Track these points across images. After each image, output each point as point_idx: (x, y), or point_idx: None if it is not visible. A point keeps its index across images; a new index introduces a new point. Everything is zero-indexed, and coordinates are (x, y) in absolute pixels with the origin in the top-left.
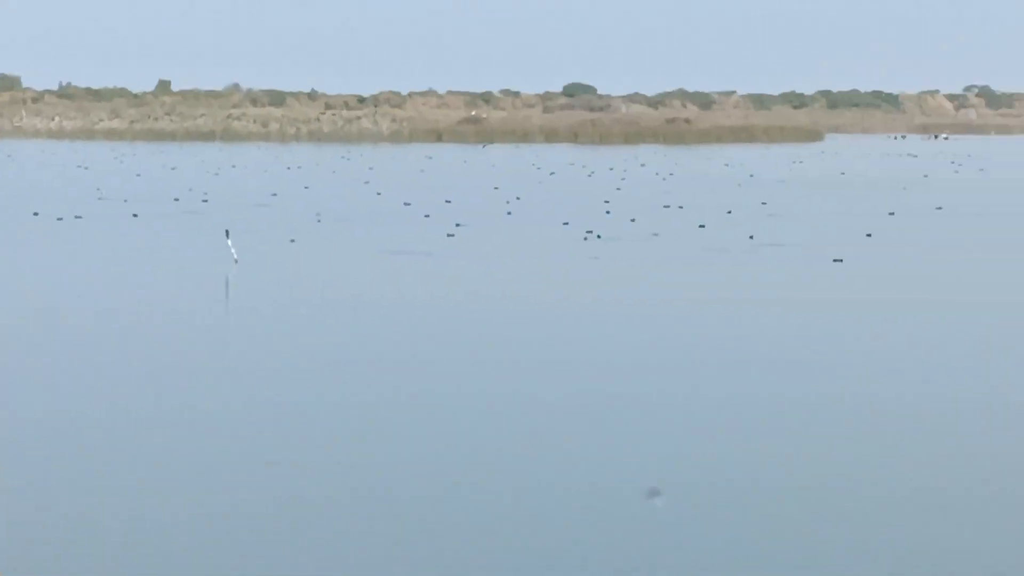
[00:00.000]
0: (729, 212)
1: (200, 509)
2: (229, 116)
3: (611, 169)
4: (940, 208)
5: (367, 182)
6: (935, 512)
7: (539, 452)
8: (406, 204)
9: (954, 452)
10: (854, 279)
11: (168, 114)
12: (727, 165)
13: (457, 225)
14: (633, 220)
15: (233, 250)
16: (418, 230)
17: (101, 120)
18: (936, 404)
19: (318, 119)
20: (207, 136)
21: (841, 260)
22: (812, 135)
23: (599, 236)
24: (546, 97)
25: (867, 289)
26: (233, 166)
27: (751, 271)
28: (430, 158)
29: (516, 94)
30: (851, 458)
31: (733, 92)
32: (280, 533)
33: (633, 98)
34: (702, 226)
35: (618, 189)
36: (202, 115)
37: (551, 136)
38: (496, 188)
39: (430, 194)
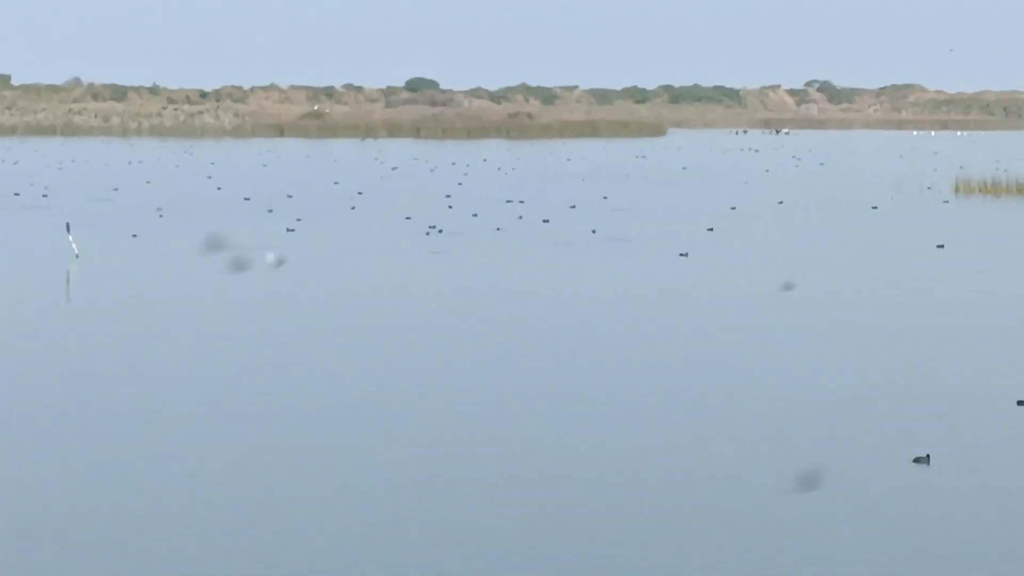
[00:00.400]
0: (573, 207)
1: None
2: (70, 111)
3: (453, 164)
4: (781, 202)
5: (209, 177)
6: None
7: (361, 443)
8: (246, 199)
9: (784, 436)
10: (701, 273)
11: (8, 108)
12: (569, 160)
13: (298, 220)
14: (475, 215)
15: (74, 244)
16: (259, 225)
17: None
18: (775, 391)
19: (160, 114)
20: (48, 131)
21: (687, 254)
22: (654, 130)
23: (441, 231)
24: (389, 92)
25: (713, 282)
26: (74, 161)
27: (597, 265)
28: (273, 153)
29: (359, 89)
30: (696, 445)
31: (575, 87)
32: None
33: (476, 93)
34: (546, 221)
35: (460, 184)
36: (43, 109)
37: (394, 131)
38: (336, 183)
39: (272, 189)
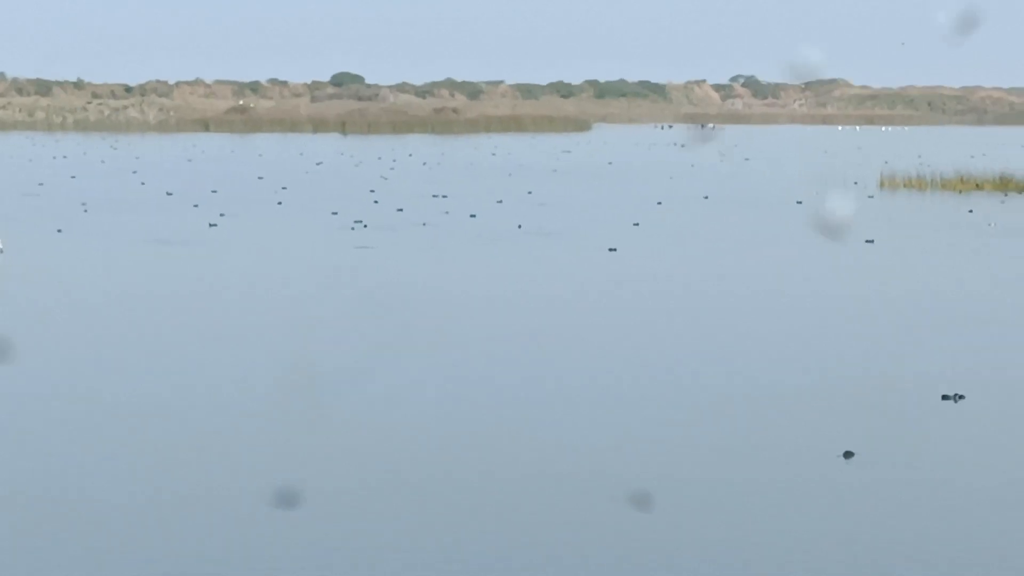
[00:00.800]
0: (499, 202)
1: None
2: None
3: (379, 158)
4: (707, 197)
5: (135, 171)
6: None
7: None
8: (169, 194)
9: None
10: (630, 267)
11: None
12: (494, 154)
13: (221, 215)
14: (401, 210)
15: None
16: (182, 220)
17: None
18: (703, 385)
19: (85, 108)
20: None
21: (616, 249)
22: (580, 125)
23: (366, 225)
24: (314, 86)
25: (643, 277)
26: None
27: (526, 260)
28: (198, 147)
29: (284, 83)
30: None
31: (501, 82)
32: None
33: (401, 87)
34: (473, 216)
35: (385, 179)
36: None
37: (319, 126)
38: (261, 178)
39: (197, 184)
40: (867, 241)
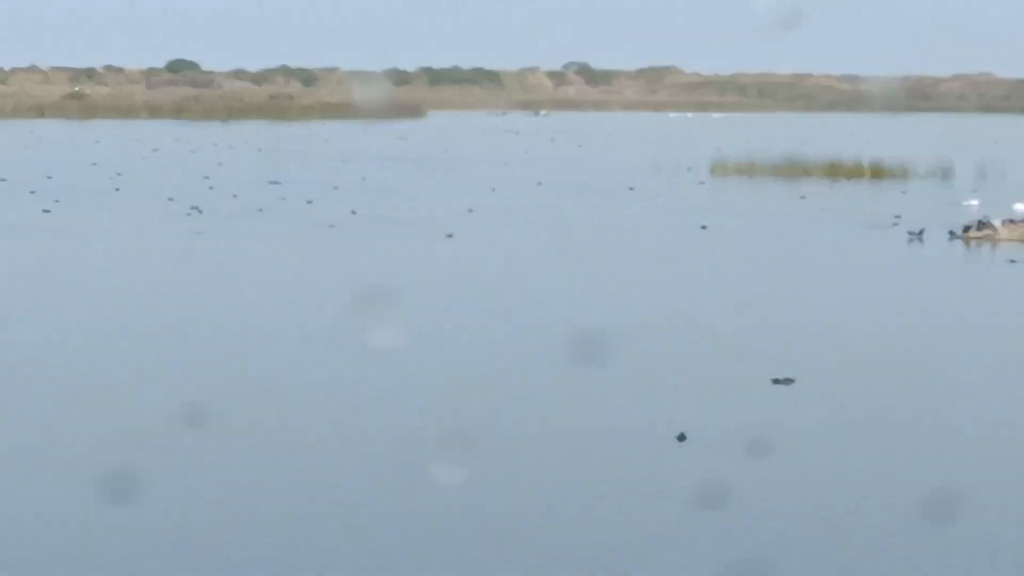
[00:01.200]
0: (336, 188)
1: None
2: None
3: (215, 145)
4: (540, 183)
5: None
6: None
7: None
8: (2, 180)
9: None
10: (467, 253)
11: None
12: (328, 141)
13: (56, 201)
14: (236, 196)
15: None
16: (17, 206)
17: None
18: (542, 368)
19: None
20: None
21: (452, 235)
22: (414, 112)
23: (202, 212)
24: (150, 73)
25: (479, 263)
26: None
27: (363, 247)
28: (34, 134)
29: (120, 70)
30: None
31: (336, 68)
32: None
33: (237, 74)
34: (310, 202)
35: (221, 165)
36: None
37: (155, 112)
38: (95, 164)
39: (32, 170)
40: (701, 227)
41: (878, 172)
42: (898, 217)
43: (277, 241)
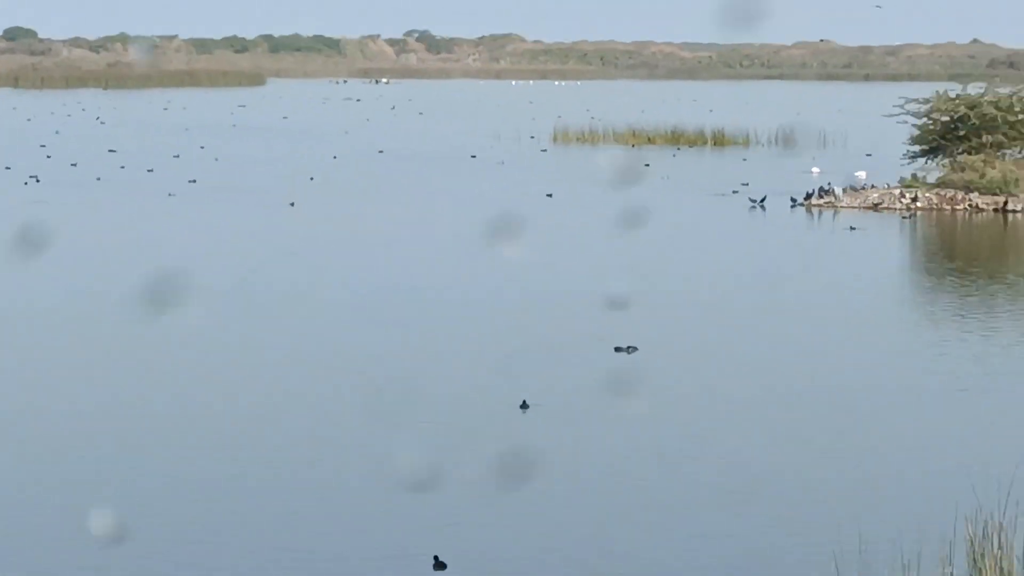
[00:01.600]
0: (176, 156)
1: None
2: None
3: (52, 113)
4: (382, 152)
5: None
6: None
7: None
8: None
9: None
10: (309, 222)
11: None
12: (166, 109)
13: None
14: (75, 164)
15: None
16: None
17: None
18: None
19: None
20: None
21: (294, 204)
22: (254, 80)
23: (39, 181)
24: None
25: (323, 231)
26: None
27: (205, 215)
28: None
29: None
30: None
31: (175, 36)
32: None
33: (75, 42)
34: (150, 170)
35: (58, 133)
36: None
37: None
38: None
39: None
40: (547, 195)
41: (720, 140)
42: (745, 184)
43: (117, 210)
